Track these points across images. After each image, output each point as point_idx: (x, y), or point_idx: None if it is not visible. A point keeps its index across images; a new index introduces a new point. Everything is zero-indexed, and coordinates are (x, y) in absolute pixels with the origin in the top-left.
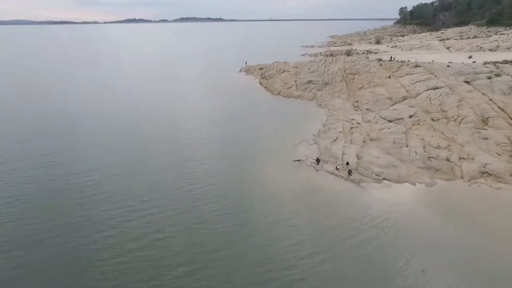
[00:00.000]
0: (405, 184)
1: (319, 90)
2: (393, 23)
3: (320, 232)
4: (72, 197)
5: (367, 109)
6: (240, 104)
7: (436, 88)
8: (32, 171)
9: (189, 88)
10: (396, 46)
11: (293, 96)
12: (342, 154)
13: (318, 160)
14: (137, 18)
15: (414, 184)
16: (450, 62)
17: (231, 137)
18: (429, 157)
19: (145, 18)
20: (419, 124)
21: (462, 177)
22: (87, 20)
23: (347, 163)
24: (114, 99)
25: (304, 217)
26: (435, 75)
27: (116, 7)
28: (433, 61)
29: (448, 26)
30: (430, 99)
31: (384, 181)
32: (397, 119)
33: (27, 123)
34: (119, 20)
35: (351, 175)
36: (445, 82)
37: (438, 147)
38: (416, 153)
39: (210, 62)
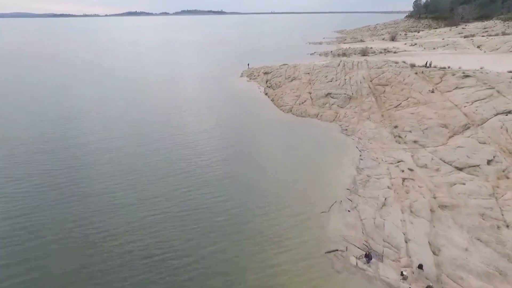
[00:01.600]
0: None
1: (341, 107)
2: (405, 17)
3: None
4: None
5: (415, 142)
6: (240, 128)
7: (509, 112)
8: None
9: (177, 100)
10: (415, 44)
11: (309, 115)
12: (405, 242)
13: (368, 256)
14: (138, 10)
15: None
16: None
17: (223, 192)
18: None
19: (146, 11)
20: (508, 178)
21: None
22: (87, 13)
23: (420, 267)
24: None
25: None
26: (498, 91)
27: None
28: (482, 68)
29: (467, 21)
30: (507, 130)
31: None
32: (470, 166)
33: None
34: (120, 13)
35: None
36: None
37: None
38: None
39: (207, 63)
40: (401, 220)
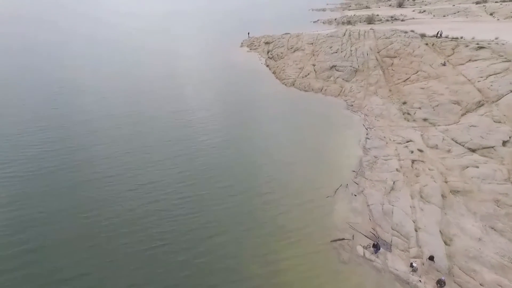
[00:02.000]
0: None
1: (347, 81)
2: None
3: None
4: None
5: (425, 120)
6: (240, 105)
7: None
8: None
9: (175, 73)
10: (424, 10)
11: (313, 89)
12: (415, 230)
13: (376, 246)
14: None
15: None
16: None
17: (223, 177)
18: None
19: None
20: None
21: None
22: None
23: (431, 258)
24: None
25: None
26: None
27: None
28: (497, 38)
29: None
30: None
31: None
32: (484, 148)
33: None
34: None
35: None
36: None
37: None
38: None
39: (205, 32)
40: (410, 207)
